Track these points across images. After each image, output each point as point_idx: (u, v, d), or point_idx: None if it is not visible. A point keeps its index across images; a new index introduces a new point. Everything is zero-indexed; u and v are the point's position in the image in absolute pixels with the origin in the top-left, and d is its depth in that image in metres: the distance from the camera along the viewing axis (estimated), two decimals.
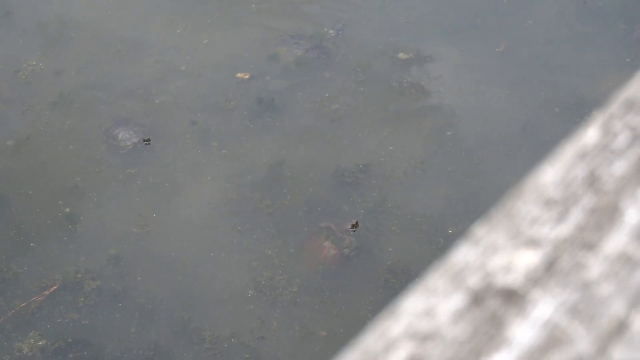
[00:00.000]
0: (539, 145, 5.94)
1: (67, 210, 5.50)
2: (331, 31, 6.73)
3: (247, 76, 6.33)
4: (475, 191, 5.73)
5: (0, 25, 6.54)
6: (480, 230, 0.83)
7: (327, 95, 6.24)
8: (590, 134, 0.91)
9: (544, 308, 0.77)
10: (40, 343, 4.92)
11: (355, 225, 5.53)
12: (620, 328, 0.76)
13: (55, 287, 5.18)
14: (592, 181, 0.86)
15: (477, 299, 0.78)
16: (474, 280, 0.78)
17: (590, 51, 6.61)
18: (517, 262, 0.80)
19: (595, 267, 0.79)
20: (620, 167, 0.87)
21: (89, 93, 6.13)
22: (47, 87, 6.16)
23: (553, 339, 0.75)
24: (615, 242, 0.81)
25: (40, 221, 5.46)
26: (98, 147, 5.84)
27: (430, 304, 0.78)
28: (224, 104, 6.15)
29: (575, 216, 0.83)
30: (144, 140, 5.82)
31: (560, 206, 0.84)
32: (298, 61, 6.44)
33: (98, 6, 6.72)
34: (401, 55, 6.51)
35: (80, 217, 5.48)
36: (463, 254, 0.81)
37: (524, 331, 0.75)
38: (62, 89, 6.13)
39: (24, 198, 5.54)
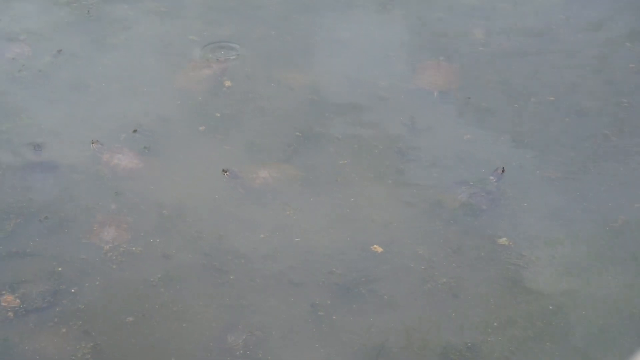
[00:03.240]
0: None
1: None
2: (492, 177, 6.91)
3: (380, 250, 6.44)
4: None
5: (111, 203, 6.81)
6: None
7: (423, 268, 6.30)
8: None
9: None
10: None
11: None
12: None
13: None
14: None
15: None
16: None
17: None
18: None
19: None
20: None
21: (200, 274, 6.27)
22: (162, 266, 6.33)
23: None
24: None
25: None
26: (209, 328, 5.93)
27: None
28: (339, 276, 6.23)
29: None
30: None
31: None
32: (463, 206, 6.61)
33: (207, 189, 6.96)
34: (503, 240, 6.55)
35: None
36: None
37: None
38: (171, 269, 6.30)
39: None
